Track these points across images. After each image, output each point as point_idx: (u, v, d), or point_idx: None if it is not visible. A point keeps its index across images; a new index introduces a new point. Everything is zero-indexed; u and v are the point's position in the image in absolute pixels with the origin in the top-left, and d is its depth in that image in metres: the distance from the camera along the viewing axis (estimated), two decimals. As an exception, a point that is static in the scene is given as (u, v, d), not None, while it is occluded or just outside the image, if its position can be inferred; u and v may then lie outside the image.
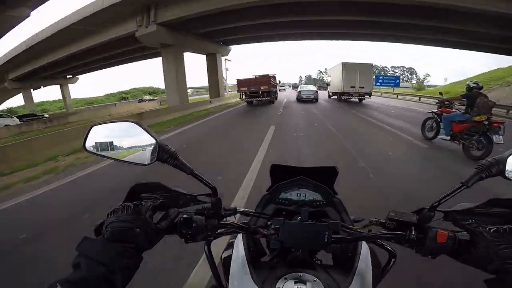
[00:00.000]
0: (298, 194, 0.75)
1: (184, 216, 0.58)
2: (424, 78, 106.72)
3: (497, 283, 0.43)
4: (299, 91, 20.53)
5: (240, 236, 0.69)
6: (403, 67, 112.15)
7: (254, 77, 18.78)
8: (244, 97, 17.72)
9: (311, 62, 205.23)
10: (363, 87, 17.70)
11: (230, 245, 0.72)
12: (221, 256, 0.72)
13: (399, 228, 0.56)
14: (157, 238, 0.55)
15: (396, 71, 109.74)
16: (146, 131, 0.56)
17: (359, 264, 0.60)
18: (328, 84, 23.84)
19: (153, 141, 0.56)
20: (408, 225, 0.55)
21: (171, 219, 0.58)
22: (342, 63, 17.86)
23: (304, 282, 0.54)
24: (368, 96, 18.16)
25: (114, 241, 0.48)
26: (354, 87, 17.68)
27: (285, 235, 0.58)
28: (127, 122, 0.58)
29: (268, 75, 18.88)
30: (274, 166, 0.78)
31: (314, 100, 19.35)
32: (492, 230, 0.47)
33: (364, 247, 0.66)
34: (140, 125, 0.57)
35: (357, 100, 18.57)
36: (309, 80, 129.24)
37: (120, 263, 0.45)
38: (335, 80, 20.05)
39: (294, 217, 0.69)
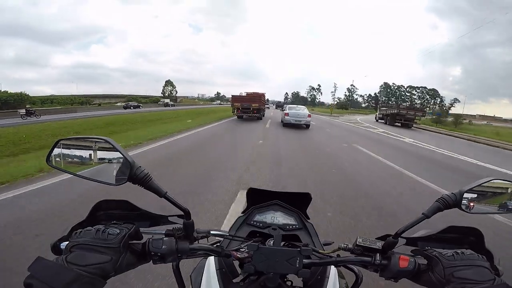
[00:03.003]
0: (272, 218, 0.77)
1: (153, 237, 0.57)
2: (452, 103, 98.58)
3: None
4: (287, 113, 15.58)
5: (212, 257, 0.70)
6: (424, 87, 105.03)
7: (247, 94, 21.11)
8: (236, 111, 18.85)
9: (300, 79, 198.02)
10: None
11: (201, 265, 0.73)
12: (190, 276, 0.72)
13: (365, 253, 0.60)
14: (128, 267, 0.51)
15: (414, 93, 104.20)
16: (118, 150, 0.54)
17: (327, 287, 0.64)
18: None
19: (125, 160, 0.53)
20: (373, 251, 0.59)
21: (143, 247, 0.55)
22: None
23: None
24: None
25: (74, 264, 0.43)
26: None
27: (258, 260, 0.59)
28: (98, 139, 0.56)
29: (259, 93, 20.90)
30: (251, 190, 0.81)
31: (305, 126, 15.34)
32: (447, 255, 0.50)
33: (333, 270, 0.70)
34: (111, 143, 0.54)
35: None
36: (296, 98, 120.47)
37: None
38: None
39: (268, 240, 0.71)
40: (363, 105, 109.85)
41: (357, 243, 0.60)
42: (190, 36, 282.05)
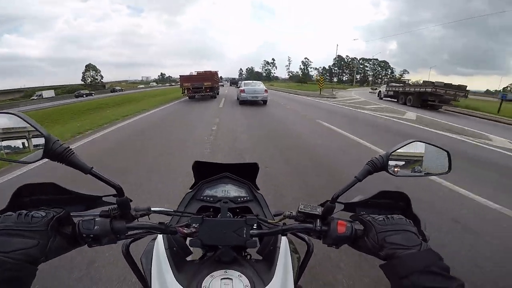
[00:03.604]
0: (223, 191, 0.76)
1: (84, 219, 0.53)
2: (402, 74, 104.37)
3: (389, 267, 0.47)
4: (242, 89, 14.49)
5: (160, 236, 0.69)
6: (376, 59, 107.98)
7: (197, 73, 19.96)
8: (186, 92, 17.94)
9: (254, 54, 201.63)
10: None
11: (150, 246, 0.70)
12: (140, 259, 0.70)
13: (308, 220, 0.61)
14: (59, 251, 0.49)
15: (367, 65, 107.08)
16: (30, 124, 0.48)
17: (279, 256, 0.64)
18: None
19: (39, 135, 0.48)
20: (314, 217, 0.60)
21: (73, 230, 0.51)
22: None
23: (231, 278, 0.56)
24: None
25: None
26: None
27: (204, 233, 0.58)
28: (6, 114, 0.49)
29: (211, 71, 20.13)
30: (197, 163, 0.79)
31: (262, 102, 14.64)
32: (379, 219, 0.54)
33: (283, 240, 0.70)
34: (22, 117, 0.48)
35: None
36: (251, 74, 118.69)
37: (2, 276, 0.39)
38: None
39: (219, 214, 0.70)
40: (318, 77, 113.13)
41: (299, 209, 0.61)
42: (130, 19, 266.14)
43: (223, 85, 44.83)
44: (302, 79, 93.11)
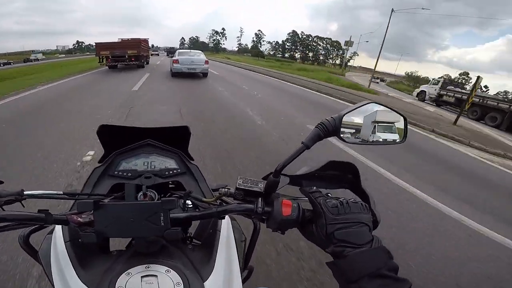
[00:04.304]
0: (146, 163, 0.62)
1: None
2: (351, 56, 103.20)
3: (336, 268, 0.40)
4: (176, 60, 12.20)
5: (58, 227, 0.53)
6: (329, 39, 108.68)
7: (121, 40, 17.81)
8: (104, 61, 15.50)
9: (201, 24, 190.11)
10: None
11: (48, 239, 0.54)
12: (37, 254, 0.54)
13: (248, 200, 0.49)
14: None
15: (320, 43, 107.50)
16: None
17: (220, 241, 0.55)
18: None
19: None
20: (256, 194, 0.49)
21: None
22: None
23: (155, 275, 0.44)
24: None
25: None
26: None
27: (102, 223, 0.42)
28: None
29: (139, 38, 18.05)
30: (104, 128, 0.62)
31: (201, 74, 12.67)
32: (331, 204, 0.44)
33: (225, 221, 0.60)
34: None
35: None
36: (195, 44, 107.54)
37: None
38: None
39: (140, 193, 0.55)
40: (271, 52, 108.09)
41: (237, 185, 0.50)
42: None
43: (158, 55, 41.73)
44: (259, 52, 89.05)
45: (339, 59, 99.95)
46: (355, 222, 0.42)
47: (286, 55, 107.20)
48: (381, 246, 0.41)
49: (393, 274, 0.39)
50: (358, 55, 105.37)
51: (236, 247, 0.56)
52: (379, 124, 0.54)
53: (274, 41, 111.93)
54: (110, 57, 15.22)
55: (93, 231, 0.42)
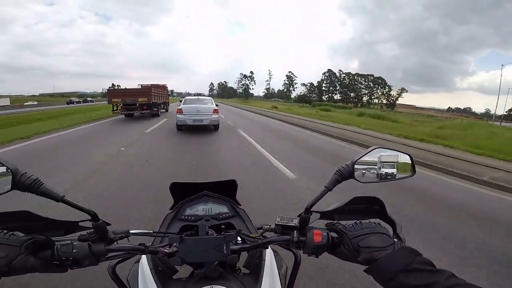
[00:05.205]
0: (204, 209, 0.77)
1: (62, 243, 0.55)
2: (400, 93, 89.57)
3: (373, 271, 0.48)
4: (179, 109, 10.13)
5: (144, 257, 0.70)
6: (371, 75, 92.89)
7: (140, 86, 18.26)
8: (119, 109, 15.22)
9: (229, 69, 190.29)
10: None
11: (136, 267, 0.72)
12: (127, 279, 0.71)
13: (286, 232, 0.62)
14: (26, 270, 0.51)
15: (361, 81, 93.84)
16: None
17: (265, 269, 0.65)
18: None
19: (6, 169, 0.50)
20: (292, 228, 0.62)
21: (53, 254, 0.53)
22: None
23: None
24: None
25: None
26: None
27: (184, 251, 0.59)
28: None
29: (150, 85, 18.20)
30: (174, 185, 0.80)
31: (212, 127, 10.55)
32: (348, 226, 0.56)
33: (268, 252, 0.71)
34: None
35: None
36: (224, 89, 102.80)
37: None
38: None
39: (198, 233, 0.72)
40: (307, 95, 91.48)
41: (276, 222, 0.63)
42: (98, 26, 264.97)
43: (181, 101, 40.79)
44: (305, 97, 74.54)
45: (385, 97, 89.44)
46: (373, 232, 0.52)
47: (324, 97, 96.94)
48: (404, 246, 0.49)
49: (427, 267, 0.43)
50: (407, 91, 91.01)
51: (279, 275, 0.67)
52: (388, 163, 0.64)
53: (308, 83, 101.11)
54: (122, 105, 14.93)
55: (179, 257, 0.59)
